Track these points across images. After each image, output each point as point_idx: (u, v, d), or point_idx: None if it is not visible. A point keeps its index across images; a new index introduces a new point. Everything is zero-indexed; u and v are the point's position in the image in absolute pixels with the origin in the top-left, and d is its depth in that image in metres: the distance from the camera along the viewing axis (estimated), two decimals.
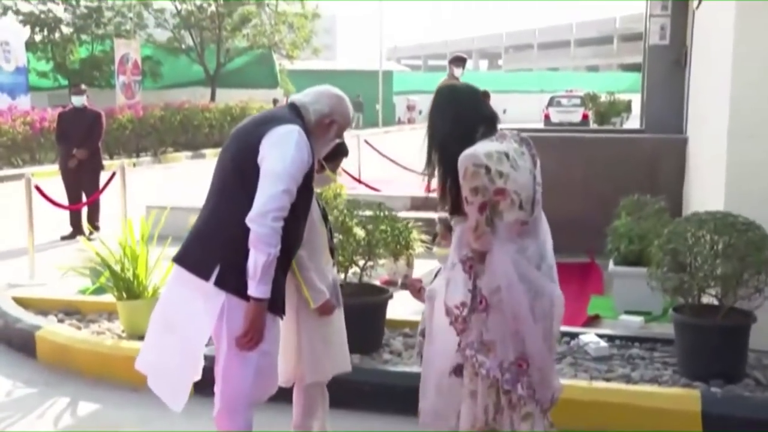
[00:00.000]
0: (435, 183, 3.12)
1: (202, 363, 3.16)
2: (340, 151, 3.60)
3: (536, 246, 2.89)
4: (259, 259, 2.88)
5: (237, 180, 3.05)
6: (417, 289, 3.47)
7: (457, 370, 3.02)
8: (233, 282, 2.99)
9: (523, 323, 2.80)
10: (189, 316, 3.06)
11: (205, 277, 2.99)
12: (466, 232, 2.86)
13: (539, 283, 2.84)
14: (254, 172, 2.97)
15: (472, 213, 2.79)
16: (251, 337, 2.96)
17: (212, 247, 3.05)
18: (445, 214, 3.78)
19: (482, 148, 2.81)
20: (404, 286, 3.64)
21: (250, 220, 2.89)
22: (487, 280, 2.83)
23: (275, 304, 3.13)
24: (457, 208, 2.92)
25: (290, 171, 2.94)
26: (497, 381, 2.84)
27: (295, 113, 3.16)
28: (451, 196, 2.92)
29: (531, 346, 2.83)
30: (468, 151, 2.79)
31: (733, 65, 4.69)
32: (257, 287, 2.91)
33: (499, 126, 3.01)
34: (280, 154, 2.94)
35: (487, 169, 2.76)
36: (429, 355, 3.19)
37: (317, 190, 3.59)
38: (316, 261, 3.43)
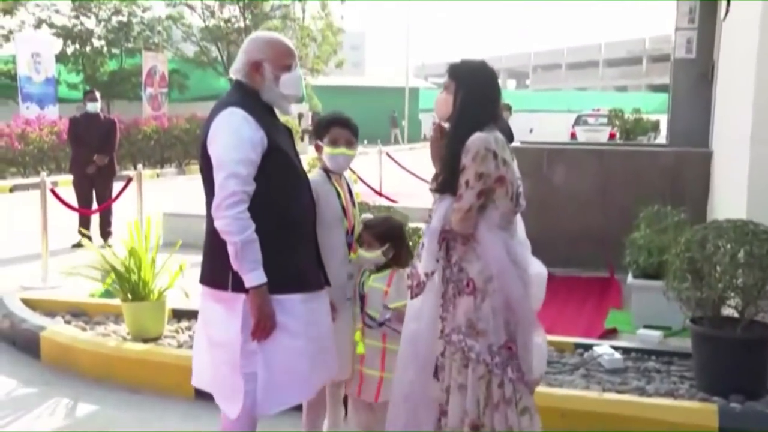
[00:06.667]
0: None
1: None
2: (335, 121, 3.48)
3: (516, 236, 2.90)
4: (231, 251, 2.83)
5: (205, 178, 3.01)
6: None
7: (436, 371, 2.92)
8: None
9: (518, 307, 2.76)
10: (221, 326, 2.99)
11: (224, 287, 2.94)
12: (453, 211, 2.80)
13: (527, 269, 2.83)
14: (210, 167, 2.93)
15: (470, 197, 2.75)
16: (263, 326, 2.87)
17: (215, 256, 2.98)
18: (369, 216, 3.59)
19: (489, 134, 2.80)
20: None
21: (212, 216, 2.87)
22: (480, 269, 2.79)
23: (302, 281, 3.03)
24: (448, 186, 2.84)
25: (230, 155, 2.84)
26: (488, 368, 2.75)
27: (236, 87, 3.07)
28: (447, 174, 2.85)
29: (522, 330, 2.79)
30: (480, 135, 2.77)
31: (757, 70, 4.54)
32: (246, 277, 2.84)
33: None
34: (218, 143, 2.89)
35: (495, 155, 2.76)
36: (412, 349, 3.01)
37: (335, 170, 3.44)
38: (329, 261, 3.29)
